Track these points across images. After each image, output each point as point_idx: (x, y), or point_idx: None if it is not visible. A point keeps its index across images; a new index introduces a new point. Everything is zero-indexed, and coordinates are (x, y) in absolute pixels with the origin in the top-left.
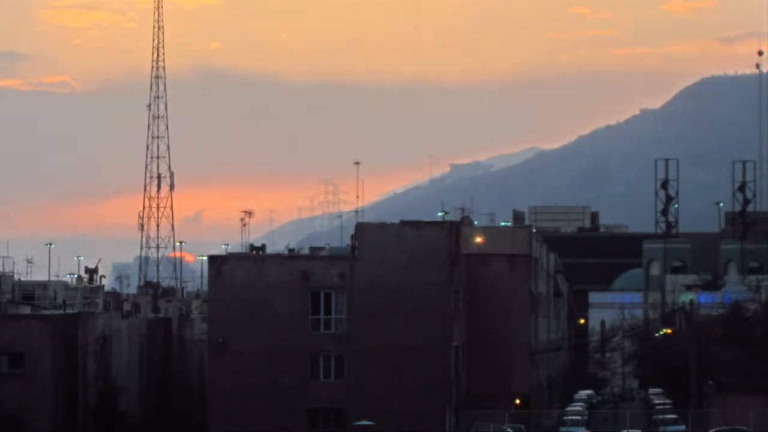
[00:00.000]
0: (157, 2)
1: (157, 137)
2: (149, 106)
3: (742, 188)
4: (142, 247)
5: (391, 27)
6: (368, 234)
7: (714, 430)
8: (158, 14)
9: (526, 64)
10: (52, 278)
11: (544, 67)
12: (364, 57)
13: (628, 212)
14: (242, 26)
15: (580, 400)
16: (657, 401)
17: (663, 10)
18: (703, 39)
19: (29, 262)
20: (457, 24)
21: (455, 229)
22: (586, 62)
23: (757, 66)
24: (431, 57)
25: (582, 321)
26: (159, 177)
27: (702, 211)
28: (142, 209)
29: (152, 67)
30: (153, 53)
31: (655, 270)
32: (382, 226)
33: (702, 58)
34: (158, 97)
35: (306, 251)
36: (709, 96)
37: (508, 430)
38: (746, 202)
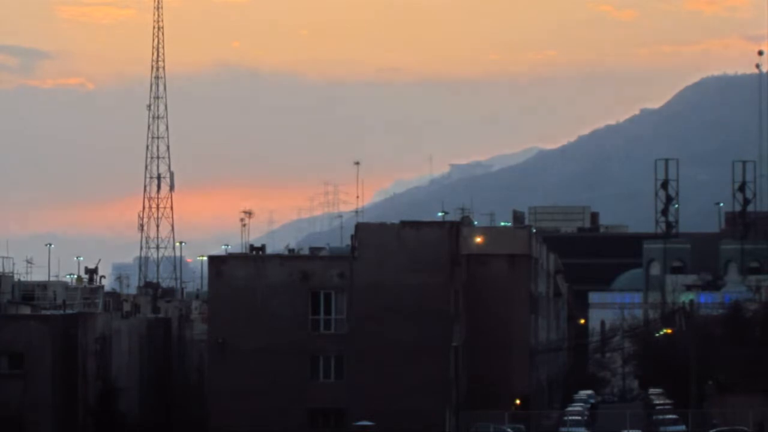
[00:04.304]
0: (157, 2)
1: (157, 137)
2: (149, 106)
3: (742, 188)
4: (142, 248)
5: (392, 27)
6: (368, 234)
7: (714, 430)
8: (158, 14)
9: (526, 64)
10: (52, 278)
11: (544, 67)
12: (367, 56)
13: (628, 212)
14: (262, 24)
15: (580, 401)
16: (657, 401)
17: (687, 9)
18: (729, 37)
19: (29, 262)
20: (458, 23)
21: (455, 229)
22: (588, 61)
23: (757, 66)
24: (432, 57)
25: (582, 321)
26: (159, 177)
27: (702, 211)
28: (142, 209)
29: (152, 67)
30: (153, 53)
31: (655, 270)
32: (382, 226)
33: (727, 56)
34: (158, 98)
35: (306, 251)
36: (709, 96)
37: (508, 430)
38: (746, 202)
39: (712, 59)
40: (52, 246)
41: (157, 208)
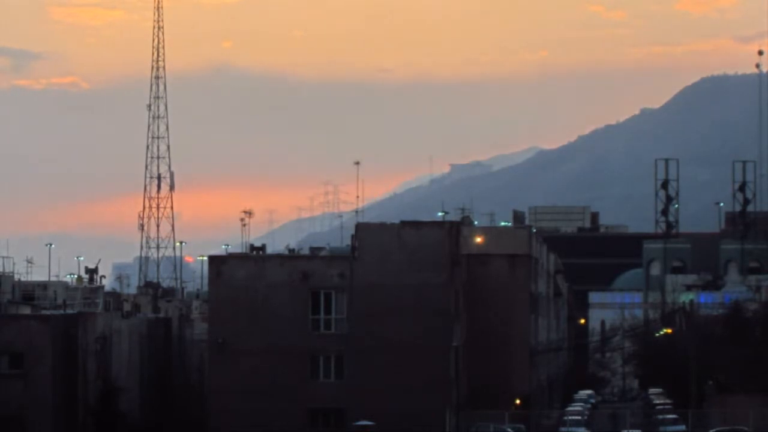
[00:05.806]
0: (156, 2)
1: (157, 137)
2: (149, 106)
3: (742, 188)
4: (142, 248)
5: (389, 28)
6: (368, 234)
7: (714, 430)
8: (158, 14)
9: (526, 63)
10: (52, 278)
11: (542, 67)
12: (364, 56)
13: (628, 212)
14: (254, 24)
15: (580, 400)
16: (657, 401)
17: (678, 9)
18: (719, 38)
19: (29, 262)
20: (457, 23)
21: (455, 229)
22: (588, 61)
23: (757, 66)
24: (432, 56)
25: (582, 321)
26: (159, 177)
27: (702, 211)
28: (142, 209)
29: (152, 67)
30: (153, 53)
31: (655, 270)
32: (382, 226)
33: (717, 57)
34: (158, 98)
35: (306, 251)
36: (709, 96)
37: (508, 430)
38: (746, 202)
39: (706, 60)
40: (52, 246)
41: (158, 208)
